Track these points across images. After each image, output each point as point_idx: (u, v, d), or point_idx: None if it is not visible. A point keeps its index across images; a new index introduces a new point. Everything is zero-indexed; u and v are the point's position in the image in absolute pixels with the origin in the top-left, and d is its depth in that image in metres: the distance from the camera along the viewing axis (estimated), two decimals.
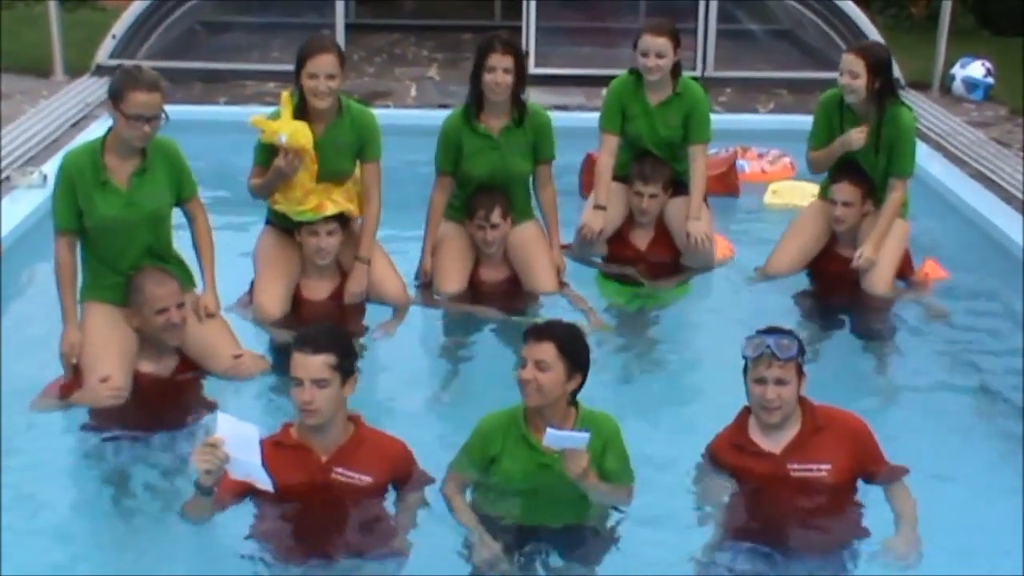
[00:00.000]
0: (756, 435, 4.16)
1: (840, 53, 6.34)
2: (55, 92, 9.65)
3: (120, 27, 10.23)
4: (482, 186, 5.86)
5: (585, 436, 3.90)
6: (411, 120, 8.34)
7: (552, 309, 5.82)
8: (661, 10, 9.89)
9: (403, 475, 4.13)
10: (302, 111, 5.39)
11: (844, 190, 5.98)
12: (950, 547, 4.08)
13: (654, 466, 4.34)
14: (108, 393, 4.85)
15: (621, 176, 6.32)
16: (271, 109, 5.55)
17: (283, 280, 5.61)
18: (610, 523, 4.14)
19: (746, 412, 4.20)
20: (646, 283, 6.23)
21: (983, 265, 6.82)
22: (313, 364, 3.88)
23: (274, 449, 3.95)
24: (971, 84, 10.16)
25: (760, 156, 8.19)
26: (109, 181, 4.87)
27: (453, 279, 5.92)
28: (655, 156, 6.27)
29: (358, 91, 9.36)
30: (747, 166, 8.04)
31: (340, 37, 10.03)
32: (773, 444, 4.14)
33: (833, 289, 6.12)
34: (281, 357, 5.11)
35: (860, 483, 4.20)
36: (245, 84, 10.05)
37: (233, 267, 5.65)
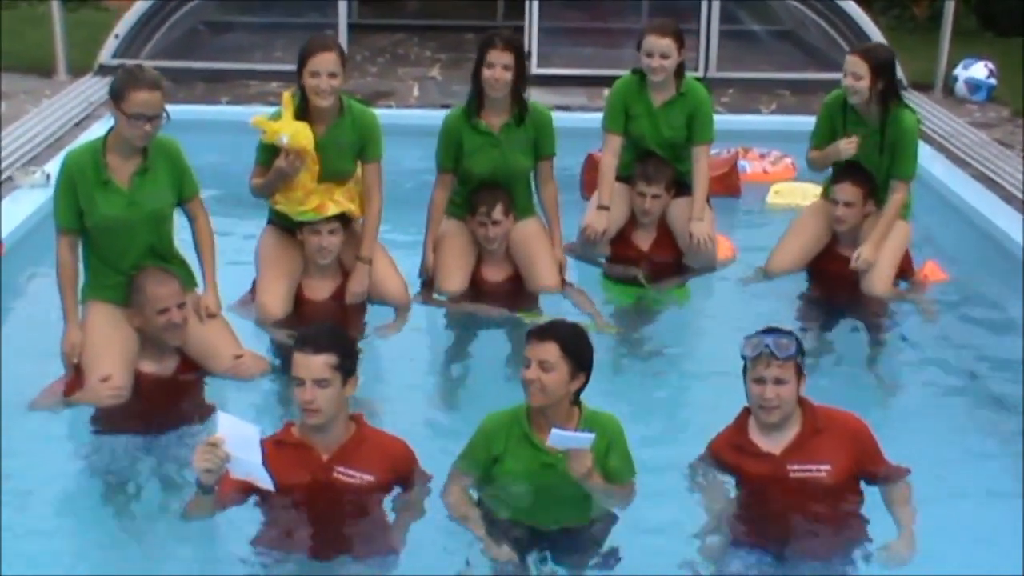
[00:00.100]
0: (756, 436, 4.16)
1: (842, 54, 6.36)
2: (58, 92, 9.66)
3: (123, 27, 10.24)
4: (483, 183, 5.87)
5: (590, 437, 3.90)
6: (413, 120, 8.35)
7: (555, 309, 5.82)
8: (663, 10, 9.88)
9: (404, 474, 4.13)
10: (303, 111, 5.40)
11: (846, 190, 5.98)
12: (950, 547, 4.08)
13: (655, 466, 4.33)
14: (109, 393, 4.85)
15: (624, 176, 6.32)
16: (273, 109, 5.56)
17: (285, 280, 5.61)
18: (612, 523, 4.14)
19: (746, 413, 4.20)
20: (648, 284, 6.23)
21: (984, 266, 6.82)
22: (314, 364, 3.88)
23: (275, 448, 3.95)
24: (974, 85, 10.15)
25: (761, 157, 8.19)
26: (111, 181, 4.87)
27: (455, 276, 5.92)
28: (658, 156, 6.27)
29: (361, 91, 9.37)
30: (748, 167, 8.04)
31: (343, 37, 10.05)
32: (773, 445, 4.14)
33: (834, 289, 6.12)
34: (282, 357, 5.11)
35: (864, 484, 4.20)
36: (248, 84, 10.06)
37: (234, 267, 5.65)
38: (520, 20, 10.16)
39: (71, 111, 9.03)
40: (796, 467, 4.11)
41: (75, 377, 4.93)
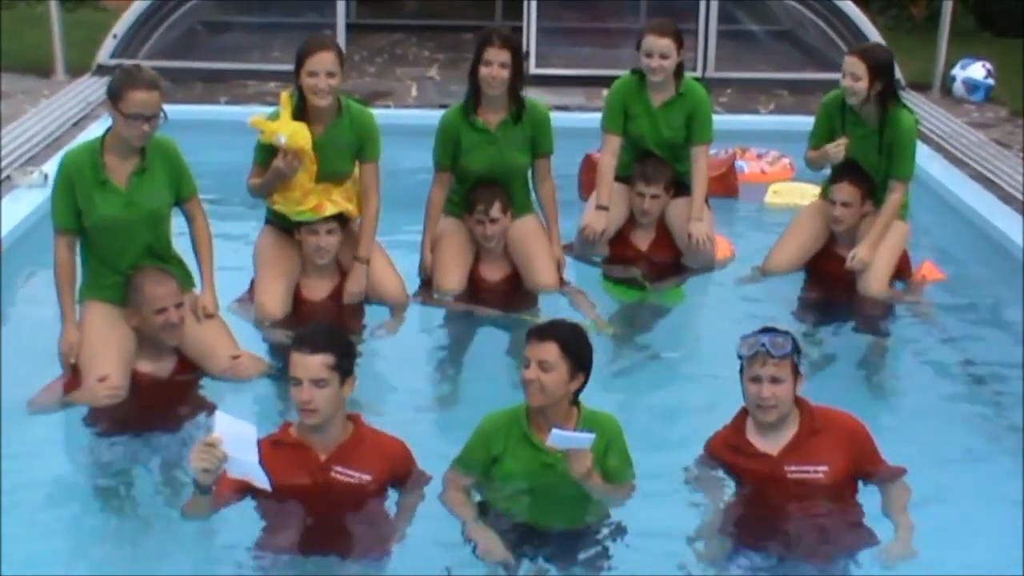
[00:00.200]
0: (753, 436, 4.16)
1: (840, 54, 6.36)
2: (56, 92, 9.65)
3: (121, 27, 10.24)
4: (481, 181, 5.87)
5: (590, 436, 3.90)
6: (412, 120, 8.35)
7: (554, 309, 5.82)
8: (662, 11, 9.88)
9: (402, 474, 4.13)
10: (301, 111, 5.40)
11: (844, 190, 5.99)
12: (949, 547, 4.08)
13: (654, 465, 4.32)
14: (106, 392, 4.85)
15: (623, 177, 6.32)
16: (271, 109, 5.56)
17: (283, 280, 5.61)
18: (611, 523, 4.14)
19: (744, 413, 4.20)
20: (647, 284, 6.23)
21: (983, 266, 6.82)
22: (312, 364, 3.88)
23: (273, 448, 3.95)
24: (972, 85, 10.16)
25: (759, 157, 8.19)
26: (108, 181, 4.87)
27: (453, 274, 5.93)
28: (657, 157, 6.27)
29: (359, 91, 9.36)
30: (746, 167, 8.04)
31: (341, 37, 10.04)
32: (770, 445, 4.14)
33: (831, 289, 6.12)
34: (280, 358, 5.11)
35: (860, 483, 4.21)
36: (246, 84, 10.05)
37: (232, 267, 5.65)
38: (518, 20, 10.15)
39: (69, 111, 9.03)
40: (793, 467, 4.11)
41: (72, 377, 4.93)
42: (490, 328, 5.81)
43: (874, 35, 9.99)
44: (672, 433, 4.89)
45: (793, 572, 3.97)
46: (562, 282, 6.06)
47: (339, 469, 3.99)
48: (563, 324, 4.17)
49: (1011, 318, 6.07)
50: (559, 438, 3.87)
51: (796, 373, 4.09)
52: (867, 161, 5.98)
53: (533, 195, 6.11)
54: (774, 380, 4.04)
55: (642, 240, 6.41)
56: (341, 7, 10.43)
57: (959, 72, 10.21)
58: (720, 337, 5.42)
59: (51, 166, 6.32)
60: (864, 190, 5.99)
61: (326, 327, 4.17)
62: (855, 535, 4.09)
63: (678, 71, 6.17)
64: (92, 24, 11.26)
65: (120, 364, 4.91)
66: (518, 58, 5.75)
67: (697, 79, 6.54)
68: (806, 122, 6.40)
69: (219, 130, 7.83)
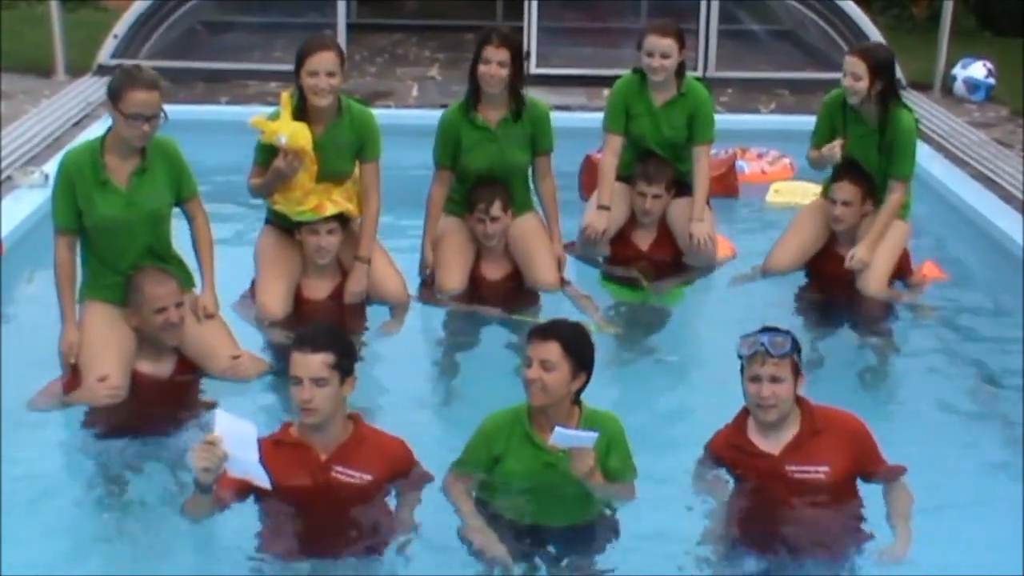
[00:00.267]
0: (755, 436, 4.16)
1: (841, 54, 6.36)
2: (57, 92, 9.65)
3: (122, 27, 10.24)
4: (481, 179, 5.87)
5: (593, 435, 3.90)
6: (413, 120, 8.35)
7: (555, 309, 5.82)
8: (662, 10, 9.89)
9: (403, 474, 4.12)
10: (302, 111, 5.40)
11: (844, 189, 5.98)
12: (950, 547, 4.08)
13: (656, 465, 4.33)
14: (106, 392, 4.84)
15: (624, 176, 6.32)
16: (272, 109, 5.56)
17: (284, 279, 5.61)
18: (611, 523, 4.14)
19: (745, 412, 4.20)
20: (648, 284, 6.23)
21: (984, 265, 6.82)
22: (312, 363, 3.88)
23: (274, 447, 3.95)
24: (972, 85, 10.15)
25: (759, 157, 8.18)
26: (109, 181, 4.87)
27: (455, 273, 5.93)
28: (659, 156, 6.27)
29: (360, 91, 9.37)
30: (747, 167, 8.04)
31: (342, 37, 10.05)
32: (771, 445, 4.14)
33: (832, 288, 6.12)
34: (280, 358, 5.10)
35: (860, 482, 4.20)
36: (247, 84, 10.05)
37: (233, 267, 5.65)
38: (519, 20, 10.16)
39: (70, 111, 9.03)
40: (794, 467, 4.10)
41: (72, 377, 4.93)
42: (491, 328, 5.81)
43: (875, 35, 9.99)
44: (673, 432, 4.89)
45: (793, 572, 3.96)
46: (563, 281, 6.06)
47: (340, 469, 3.99)
48: (565, 324, 4.17)
49: (1011, 318, 6.07)
50: (562, 437, 3.87)
51: (797, 372, 4.09)
52: (867, 160, 5.98)
53: (533, 193, 6.11)
54: (774, 379, 4.04)
55: (643, 240, 6.41)
56: (342, 7, 10.43)
57: (960, 72, 10.21)
58: (720, 337, 5.42)
59: (52, 166, 6.31)
60: (865, 189, 5.98)
61: (327, 326, 4.17)
62: (855, 535, 4.10)
63: (680, 71, 6.17)
64: (93, 24, 11.26)
65: (120, 364, 4.91)
66: (518, 57, 5.75)
67: (698, 79, 6.54)
68: (807, 122, 6.39)
69: (220, 130, 7.82)
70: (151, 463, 4.58)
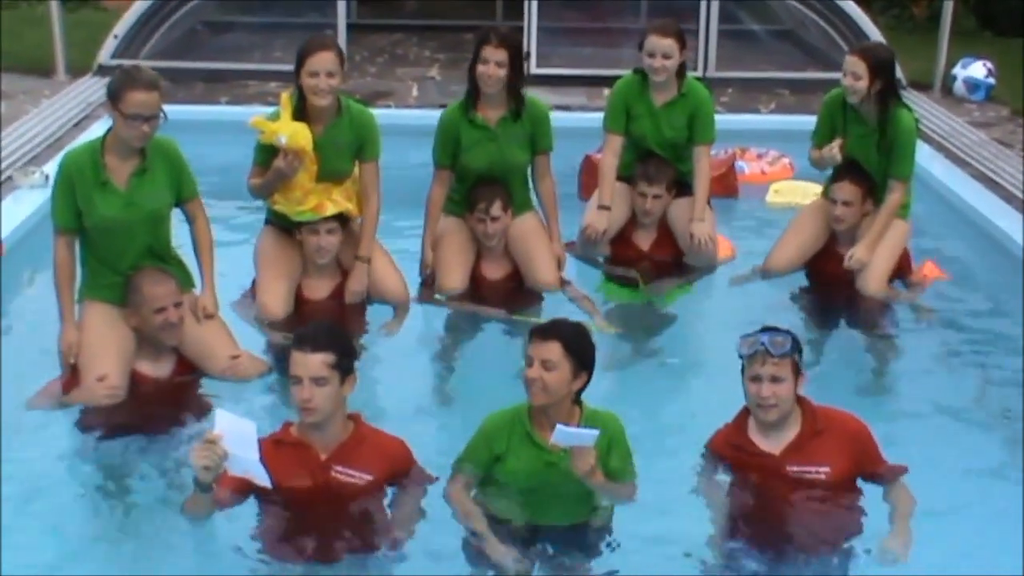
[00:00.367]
0: (755, 436, 4.16)
1: (842, 54, 6.36)
2: (57, 92, 9.66)
3: (122, 27, 10.24)
4: (481, 179, 5.87)
5: (594, 433, 3.90)
6: (412, 120, 8.35)
7: (555, 309, 5.82)
8: (663, 10, 9.89)
9: (403, 473, 4.13)
10: (301, 111, 5.40)
11: (844, 189, 5.98)
12: (949, 546, 4.08)
13: (655, 465, 4.33)
14: (104, 392, 4.85)
15: (625, 176, 6.32)
16: (272, 109, 5.56)
17: (285, 280, 5.61)
18: (613, 522, 4.14)
19: (745, 412, 4.20)
20: (648, 285, 6.23)
21: (984, 266, 6.82)
22: (312, 362, 3.88)
23: (274, 447, 3.95)
24: (972, 85, 10.16)
25: (759, 157, 8.18)
26: (109, 181, 4.87)
27: (455, 273, 5.93)
28: (659, 157, 6.27)
29: (360, 91, 9.37)
30: (746, 167, 8.04)
31: (342, 37, 10.06)
32: (772, 445, 4.14)
33: (832, 288, 6.12)
34: (280, 358, 5.11)
35: (860, 482, 4.20)
36: (247, 84, 10.06)
37: (233, 267, 5.66)
38: (519, 20, 10.16)
39: (70, 111, 9.03)
40: (795, 468, 4.11)
41: (71, 376, 4.93)
42: (492, 327, 5.81)
43: (875, 34, 9.99)
44: (673, 432, 4.88)
45: (793, 572, 3.96)
46: (563, 280, 6.06)
47: (340, 468, 3.99)
48: (566, 323, 4.17)
49: (1011, 318, 6.07)
50: (563, 435, 3.87)
51: (797, 372, 4.09)
52: (867, 160, 5.98)
53: (532, 193, 6.11)
54: (774, 379, 4.04)
55: (644, 240, 6.41)
56: (342, 7, 10.44)
57: (960, 71, 10.22)
58: (721, 337, 5.42)
59: (52, 166, 6.32)
60: (865, 189, 5.98)
61: (327, 325, 4.17)
62: (855, 533, 4.09)
63: (680, 71, 6.17)
64: (93, 24, 11.27)
65: (119, 364, 4.91)
66: (517, 57, 5.75)
67: (698, 79, 6.54)
68: (807, 122, 6.39)
69: (220, 130, 7.83)
70: (150, 463, 4.58)
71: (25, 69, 10.28)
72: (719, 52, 10.27)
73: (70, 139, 8.05)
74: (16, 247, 6.30)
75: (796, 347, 4.09)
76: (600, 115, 6.41)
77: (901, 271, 6.16)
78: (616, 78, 6.41)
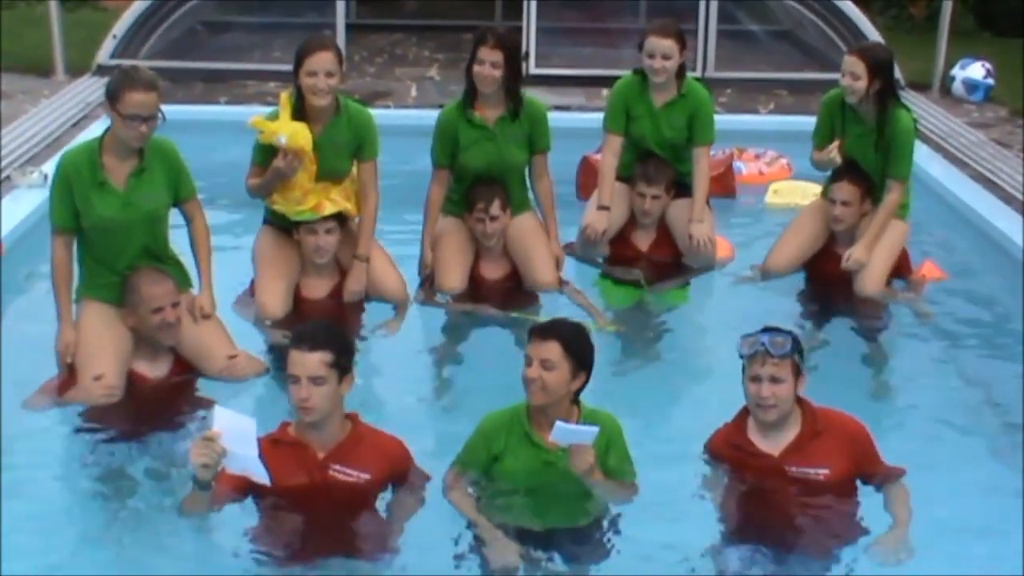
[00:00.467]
0: (755, 436, 4.16)
1: (840, 54, 6.35)
2: (56, 92, 9.66)
3: (121, 27, 10.24)
4: (479, 178, 5.88)
5: (593, 430, 3.91)
6: (411, 120, 8.35)
7: (555, 308, 5.82)
8: (662, 11, 9.89)
9: (400, 473, 4.13)
10: (300, 111, 5.40)
11: (843, 189, 5.98)
12: (949, 547, 4.08)
13: (655, 466, 4.33)
14: (101, 392, 4.84)
15: (624, 177, 6.32)
16: (271, 109, 5.56)
17: (284, 279, 5.61)
18: (612, 522, 4.14)
19: (745, 412, 4.20)
20: (647, 285, 6.23)
21: (983, 266, 6.82)
22: (310, 361, 3.88)
23: (272, 446, 3.95)
24: (971, 85, 10.16)
25: (757, 157, 8.19)
26: (107, 182, 4.87)
27: (454, 273, 5.93)
28: (658, 157, 6.27)
29: (359, 91, 9.37)
30: (744, 168, 8.04)
31: (341, 37, 10.05)
32: (771, 445, 4.14)
33: (831, 289, 6.12)
34: (278, 358, 5.11)
35: (859, 483, 4.21)
36: (246, 84, 10.06)
37: (231, 267, 5.65)
38: (518, 20, 10.15)
39: (69, 111, 9.03)
40: (794, 469, 4.11)
41: (68, 376, 4.93)
42: (491, 327, 5.81)
43: (874, 35, 9.99)
44: (672, 433, 4.88)
45: (792, 569, 3.97)
46: (561, 280, 6.07)
47: (337, 467, 3.99)
48: (565, 323, 4.18)
49: (1011, 318, 6.07)
50: (562, 432, 3.88)
51: (797, 373, 4.09)
52: (865, 160, 5.98)
53: (530, 193, 6.11)
54: (774, 380, 4.04)
55: (643, 240, 6.41)
56: (341, 7, 10.43)
57: (958, 72, 10.22)
58: (720, 337, 5.43)
59: (51, 166, 6.32)
60: (864, 189, 5.98)
61: (325, 324, 4.17)
62: (853, 535, 4.09)
63: (680, 72, 6.17)
64: (92, 24, 11.27)
65: (116, 364, 4.90)
66: (514, 58, 5.76)
67: (697, 79, 6.54)
68: (806, 122, 6.39)
69: (219, 130, 7.83)
70: (147, 463, 4.58)
71: (24, 69, 10.28)
72: (718, 52, 10.27)
73: (69, 139, 8.05)
74: (15, 247, 6.30)
75: (796, 348, 4.09)
76: (599, 116, 6.42)
77: (900, 271, 6.16)
78: (615, 78, 6.42)
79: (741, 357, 4.10)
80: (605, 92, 6.47)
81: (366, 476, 4.01)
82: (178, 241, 5.21)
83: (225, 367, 5.10)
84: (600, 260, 6.46)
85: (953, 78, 10.22)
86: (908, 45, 10.88)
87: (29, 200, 6.90)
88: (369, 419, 4.19)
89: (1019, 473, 4.64)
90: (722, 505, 4.18)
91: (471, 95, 5.83)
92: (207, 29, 11.56)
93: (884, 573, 3.94)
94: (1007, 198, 7.59)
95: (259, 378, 5.19)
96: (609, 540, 4.10)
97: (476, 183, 5.88)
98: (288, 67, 5.57)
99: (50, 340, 4.99)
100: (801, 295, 6.20)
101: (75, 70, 10.17)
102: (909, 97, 9.35)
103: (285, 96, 5.42)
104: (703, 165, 6.26)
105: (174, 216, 5.15)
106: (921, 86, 10.26)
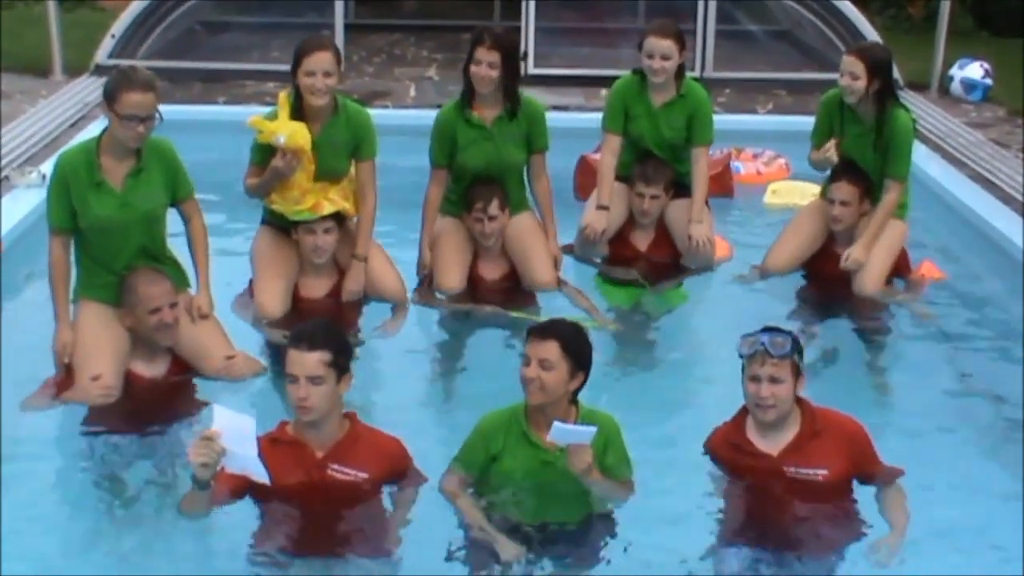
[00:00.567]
0: (753, 435, 4.16)
1: (839, 54, 6.35)
2: (54, 92, 9.66)
3: (119, 27, 10.24)
4: (478, 178, 5.88)
5: (591, 430, 3.91)
6: (410, 120, 8.35)
7: (553, 307, 5.82)
8: (660, 11, 9.89)
9: (399, 472, 4.13)
10: (298, 111, 5.40)
11: (842, 189, 5.99)
12: (949, 547, 4.08)
13: (653, 466, 4.34)
14: (98, 392, 4.84)
15: (623, 177, 6.32)
16: (269, 109, 5.56)
17: (282, 279, 5.61)
18: (610, 522, 4.14)
19: (744, 411, 4.20)
20: (646, 285, 6.23)
21: (982, 266, 6.82)
22: (308, 361, 3.88)
23: (270, 446, 3.95)
24: (969, 85, 10.16)
25: (755, 157, 8.19)
26: (104, 182, 4.86)
27: (453, 273, 5.93)
28: (657, 157, 6.27)
29: (357, 91, 9.37)
30: (742, 168, 8.04)
31: (340, 37, 10.06)
32: (770, 445, 4.14)
33: (830, 289, 6.12)
34: (278, 357, 5.10)
35: (857, 483, 4.21)
36: (244, 84, 10.06)
37: (230, 267, 5.65)
38: (517, 20, 10.15)
39: (67, 111, 9.03)
40: (793, 469, 4.11)
41: (66, 376, 4.92)
42: (490, 327, 5.81)
43: (872, 35, 9.99)
44: (671, 433, 4.88)
45: (791, 569, 3.97)
46: (559, 280, 6.07)
47: (335, 467, 3.99)
48: (564, 323, 4.18)
49: (1010, 318, 6.07)
50: (560, 431, 3.88)
51: (797, 373, 4.09)
52: (864, 160, 5.98)
53: (528, 193, 6.11)
54: (773, 380, 4.04)
55: (641, 240, 6.41)
56: (340, 7, 10.43)
57: (957, 72, 10.22)
58: (720, 337, 5.42)
59: (49, 166, 6.31)
60: (862, 189, 5.99)
61: (323, 324, 4.16)
62: (851, 535, 4.09)
63: (679, 72, 6.17)
64: (90, 24, 11.26)
65: (113, 364, 4.90)
66: (511, 58, 5.76)
67: (695, 79, 6.54)
68: (804, 122, 6.39)
69: (217, 130, 7.83)
70: (146, 463, 4.58)
71: (22, 69, 10.28)
72: (716, 52, 10.27)
73: (67, 139, 8.05)
74: (13, 246, 6.30)
75: (796, 348, 4.09)
76: (597, 115, 6.42)
77: (899, 271, 6.16)
78: (614, 78, 6.42)
79: (740, 357, 4.10)
80: (604, 92, 6.47)
81: (364, 475, 4.01)
82: (176, 242, 5.22)
83: (223, 367, 5.10)
84: (599, 260, 6.46)
85: (951, 78, 10.23)
86: (906, 45, 10.88)
87: (27, 200, 6.90)
88: (367, 418, 4.19)
89: (1019, 473, 4.64)
90: (722, 506, 4.18)
91: (469, 95, 5.83)
92: (205, 29, 11.57)
93: (883, 573, 3.94)
94: (1005, 198, 7.60)
95: (257, 378, 5.19)
96: (607, 543, 4.10)
97: (474, 183, 5.88)
98: (286, 67, 5.57)
99: (47, 340, 4.99)
100: (800, 295, 6.20)
101: (73, 70, 10.17)
102: (907, 97, 9.35)
103: (283, 96, 5.42)
104: (702, 165, 6.26)
105: (173, 218, 5.14)
106: (919, 86, 10.27)
